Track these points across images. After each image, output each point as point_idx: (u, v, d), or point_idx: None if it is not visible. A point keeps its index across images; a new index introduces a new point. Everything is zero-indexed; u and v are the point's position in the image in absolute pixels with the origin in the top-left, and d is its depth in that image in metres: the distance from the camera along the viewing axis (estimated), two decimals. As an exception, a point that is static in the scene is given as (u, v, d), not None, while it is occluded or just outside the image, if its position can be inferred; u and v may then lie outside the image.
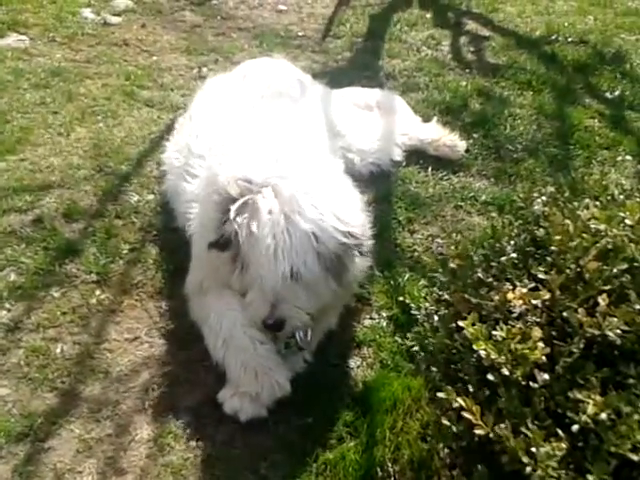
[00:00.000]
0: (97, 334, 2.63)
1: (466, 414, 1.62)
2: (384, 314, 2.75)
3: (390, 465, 2.16)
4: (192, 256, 2.68)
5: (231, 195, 2.29)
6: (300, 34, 4.90)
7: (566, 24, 5.04)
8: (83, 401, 2.40)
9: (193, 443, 2.28)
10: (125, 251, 2.99)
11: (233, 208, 2.26)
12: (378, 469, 2.15)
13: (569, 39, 4.85)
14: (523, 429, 1.54)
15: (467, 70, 4.48)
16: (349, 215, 2.34)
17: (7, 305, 2.71)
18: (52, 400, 2.39)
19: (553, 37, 4.87)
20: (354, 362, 2.58)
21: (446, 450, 1.86)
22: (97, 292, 2.80)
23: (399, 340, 2.61)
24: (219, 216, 2.33)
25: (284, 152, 2.43)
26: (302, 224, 2.23)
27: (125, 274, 2.88)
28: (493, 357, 1.64)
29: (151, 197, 3.28)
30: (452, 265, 2.05)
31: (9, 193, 3.24)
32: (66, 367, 2.50)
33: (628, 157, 3.60)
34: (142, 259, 2.95)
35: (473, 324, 1.73)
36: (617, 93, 4.24)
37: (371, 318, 2.74)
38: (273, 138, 2.54)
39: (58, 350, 2.56)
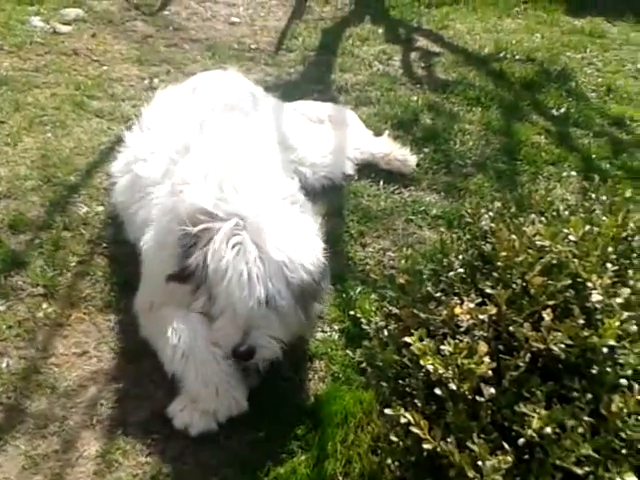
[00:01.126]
0: (44, 348, 2.59)
1: (414, 429, 1.64)
2: (336, 327, 2.77)
3: (341, 479, 2.17)
4: (143, 274, 2.66)
5: (193, 230, 2.29)
6: (253, 47, 4.90)
7: (514, 42, 5.15)
8: (29, 416, 2.36)
9: (142, 459, 2.26)
10: (73, 263, 2.94)
11: (198, 243, 2.27)
12: (329, 483, 2.16)
13: (517, 57, 4.96)
14: (469, 443, 1.56)
15: (418, 85, 4.53)
16: (312, 255, 2.36)
17: (-51, 318, 2.65)
18: (-3, 416, 2.34)
19: (501, 54, 4.97)
20: (306, 375, 2.58)
21: (396, 464, 1.88)
22: (44, 305, 2.75)
23: (350, 353, 2.62)
24: (179, 250, 2.33)
25: (242, 177, 2.43)
26: (274, 253, 2.25)
27: (73, 287, 2.84)
28: (440, 372, 1.67)
29: (100, 209, 3.24)
30: (400, 280, 2.07)
31: (-47, 203, 3.17)
32: (12, 382, 2.45)
33: (573, 173, 3.69)
34: (91, 272, 2.91)
35: (421, 339, 1.76)
36: (563, 110, 4.34)
37: (323, 331, 2.75)
38: (229, 160, 2.53)
39: (4, 365, 2.51)
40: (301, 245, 2.33)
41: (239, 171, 2.47)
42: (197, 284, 2.32)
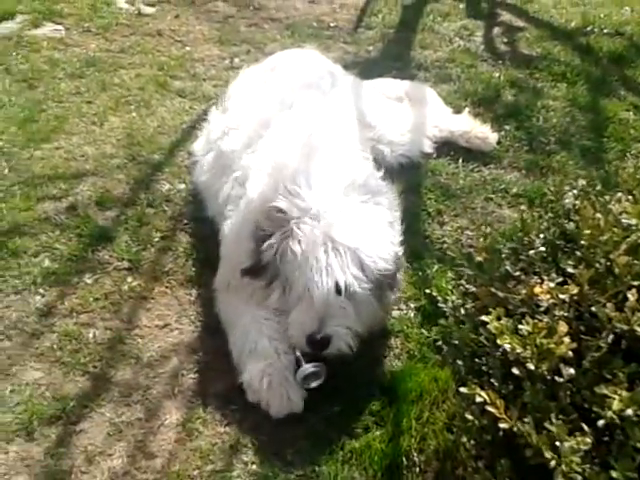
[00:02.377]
0: (128, 320, 2.68)
1: (490, 408, 1.63)
2: (412, 305, 2.76)
3: (416, 455, 2.18)
4: (221, 255, 2.71)
5: (266, 226, 2.35)
6: (332, 25, 4.88)
7: (602, 15, 4.95)
8: (114, 385, 2.45)
9: (221, 429, 2.32)
10: (156, 239, 3.03)
11: (271, 239, 2.32)
12: (404, 458, 2.17)
13: (605, 30, 4.77)
14: (547, 424, 1.54)
15: (500, 61, 4.43)
16: (386, 245, 2.38)
17: (41, 290, 2.77)
18: (84, 384, 2.44)
19: (588, 28, 4.79)
20: (382, 352, 2.59)
21: (472, 442, 1.87)
22: (129, 279, 2.84)
23: (426, 332, 2.62)
24: (253, 245, 2.38)
25: (316, 169, 2.46)
26: (349, 244, 2.28)
27: (156, 262, 2.93)
28: (518, 351, 1.64)
29: (182, 186, 3.32)
30: (478, 258, 2.04)
31: (44, 181, 3.30)
32: (98, 352, 2.55)
33: (663, 150, 3.55)
34: (173, 247, 2.99)
35: (498, 318, 1.73)
36: (653, 85, 4.17)
37: (399, 309, 2.75)
38: (304, 146, 2.56)
39: (90, 335, 2.61)
40: (375, 236, 2.35)
41: (314, 161, 2.49)
42: (271, 279, 2.37)
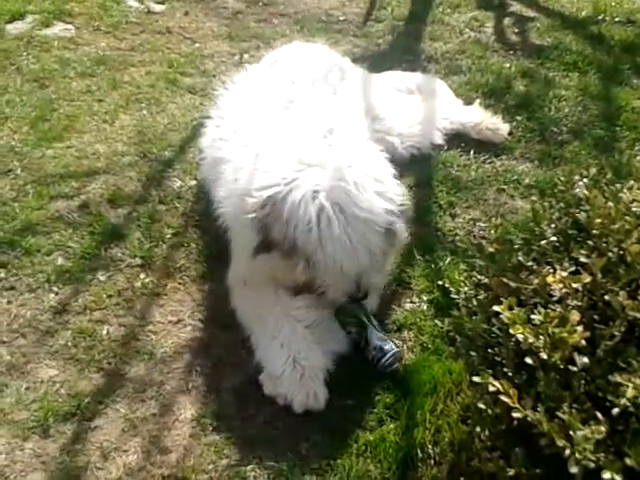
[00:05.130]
0: (142, 316, 2.69)
1: (503, 397, 1.62)
2: (425, 298, 2.75)
3: (430, 447, 2.18)
4: (232, 250, 2.72)
5: (264, 201, 2.35)
6: (341, 18, 4.87)
7: (613, 3, 4.90)
8: (128, 381, 2.46)
9: (235, 423, 2.32)
10: (168, 236, 3.04)
11: (273, 213, 2.33)
12: (418, 451, 2.17)
13: (616, 19, 4.72)
14: (560, 413, 1.53)
15: (511, 52, 4.40)
16: (391, 192, 2.41)
17: (55, 288, 2.78)
18: (98, 380, 2.45)
19: (600, 17, 4.74)
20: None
21: (486, 432, 1.87)
22: (141, 276, 2.85)
23: (439, 324, 2.61)
24: (255, 224, 2.37)
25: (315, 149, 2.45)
26: (357, 208, 2.30)
27: (169, 258, 2.94)
28: (531, 341, 1.63)
29: (193, 183, 3.33)
30: (490, 249, 2.03)
31: (56, 179, 3.32)
32: (112, 348, 2.56)
33: (677, 139, 3.52)
34: (185, 243, 3.00)
35: (510, 308, 1.72)
36: (666, 73, 4.13)
37: (412, 302, 2.75)
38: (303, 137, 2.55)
39: (104, 332, 2.62)
40: (379, 191, 2.36)
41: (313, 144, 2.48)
42: (287, 250, 2.35)
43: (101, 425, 2.32)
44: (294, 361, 2.36)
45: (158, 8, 4.96)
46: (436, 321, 2.63)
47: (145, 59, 4.36)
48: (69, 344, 2.57)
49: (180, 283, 2.84)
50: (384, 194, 2.37)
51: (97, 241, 2.99)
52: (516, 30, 4.67)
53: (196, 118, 3.77)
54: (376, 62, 4.17)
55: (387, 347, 2.44)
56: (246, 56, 4.37)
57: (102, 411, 2.36)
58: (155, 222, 3.10)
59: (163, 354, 2.55)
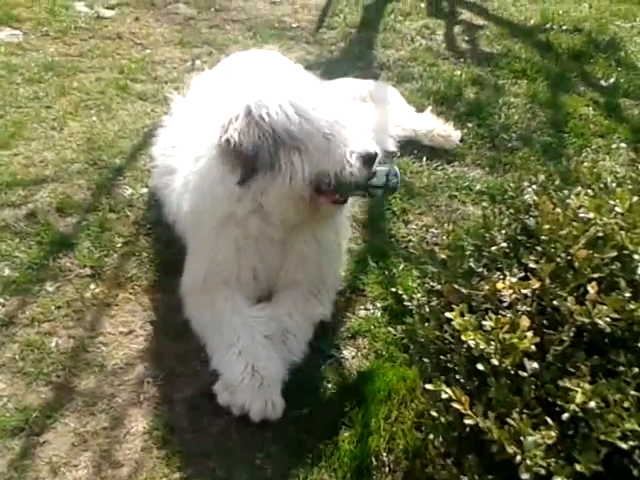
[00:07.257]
0: (92, 328, 2.64)
1: (455, 404, 1.63)
2: (378, 305, 2.76)
3: (385, 455, 2.18)
4: (189, 252, 2.68)
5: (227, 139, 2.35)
6: (294, 25, 4.88)
7: (560, 12, 5.03)
8: (78, 395, 2.40)
9: (188, 435, 2.29)
10: (119, 245, 2.99)
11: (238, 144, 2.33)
12: (373, 459, 2.17)
13: (564, 27, 4.84)
14: (509, 419, 1.54)
15: (461, 59, 4.47)
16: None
17: (1, 300, 2.71)
18: (47, 394, 2.39)
19: (548, 25, 4.86)
20: (349, 353, 2.58)
21: (439, 439, 1.87)
22: (91, 286, 2.80)
23: (393, 331, 2.62)
24: (230, 161, 2.37)
25: None
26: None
27: (119, 268, 2.88)
28: (482, 347, 1.64)
29: (144, 190, 3.28)
30: (442, 256, 2.05)
31: (3, 188, 3.24)
32: (61, 361, 2.50)
33: (622, 145, 3.61)
34: (136, 253, 2.95)
35: (462, 315, 1.73)
36: (612, 81, 4.24)
37: (365, 309, 2.75)
38: None
39: (53, 344, 2.56)
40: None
41: None
42: (271, 163, 2.32)
43: (50, 440, 2.26)
44: (253, 369, 2.33)
45: (108, 13, 4.90)
46: (390, 328, 2.64)
47: (95, 65, 4.30)
48: (16, 357, 2.50)
49: (131, 293, 2.79)
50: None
51: (45, 251, 2.92)
52: (466, 38, 4.75)
53: (147, 125, 3.73)
54: (329, 69, 4.18)
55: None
56: (198, 62, 4.35)
57: (51, 425, 2.30)
58: (105, 231, 3.04)
59: (114, 366, 2.50)
